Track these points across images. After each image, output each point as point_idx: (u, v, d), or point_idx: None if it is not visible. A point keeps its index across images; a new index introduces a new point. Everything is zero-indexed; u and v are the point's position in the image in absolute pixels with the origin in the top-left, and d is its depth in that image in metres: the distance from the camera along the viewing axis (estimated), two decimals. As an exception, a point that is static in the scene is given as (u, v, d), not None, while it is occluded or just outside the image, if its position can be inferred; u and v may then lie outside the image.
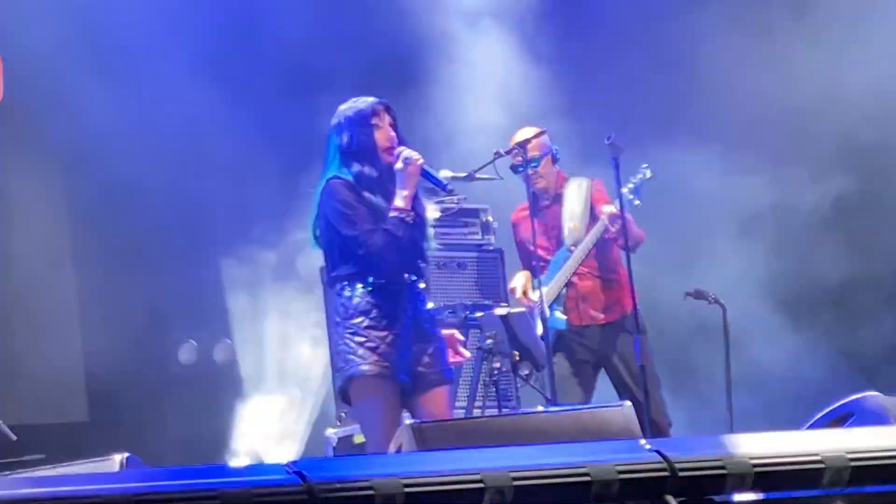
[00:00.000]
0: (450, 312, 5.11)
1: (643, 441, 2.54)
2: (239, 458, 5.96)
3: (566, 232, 5.23)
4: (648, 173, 5.43)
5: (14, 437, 4.87)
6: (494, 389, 4.98)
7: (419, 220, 3.94)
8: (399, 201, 3.90)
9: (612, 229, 5.12)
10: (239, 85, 6.30)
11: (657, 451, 2.36)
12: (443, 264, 5.51)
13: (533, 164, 5.05)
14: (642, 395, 4.75)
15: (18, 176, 6.16)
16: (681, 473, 2.36)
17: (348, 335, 3.83)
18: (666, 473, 2.33)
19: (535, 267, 5.00)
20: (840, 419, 4.00)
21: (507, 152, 5.06)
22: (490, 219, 5.63)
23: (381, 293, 3.84)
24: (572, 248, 5.19)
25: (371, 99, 3.99)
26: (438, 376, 3.94)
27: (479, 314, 5.10)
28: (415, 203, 3.92)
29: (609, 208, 5.14)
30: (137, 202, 6.15)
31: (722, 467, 2.37)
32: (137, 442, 4.94)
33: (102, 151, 6.01)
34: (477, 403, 5.09)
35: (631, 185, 5.29)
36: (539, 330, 4.97)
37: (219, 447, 6.05)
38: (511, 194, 5.40)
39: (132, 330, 6.08)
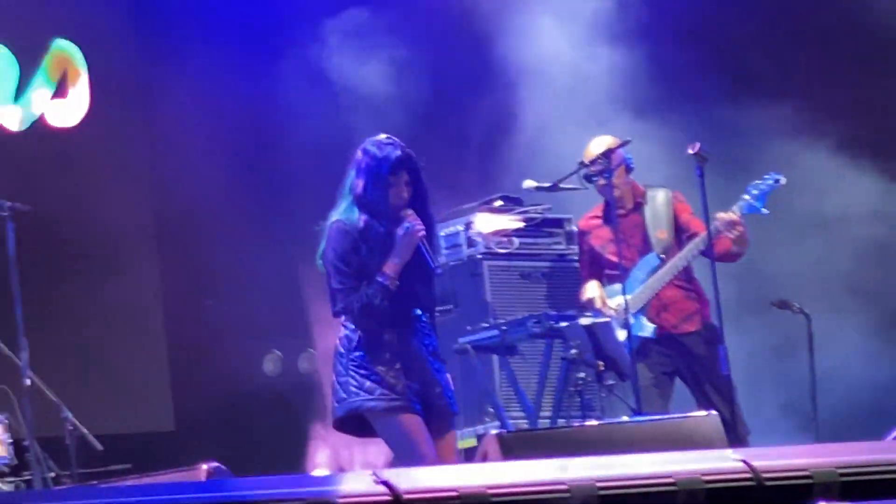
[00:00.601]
0: (534, 322, 5.10)
1: (729, 451, 2.50)
2: (324, 467, 6.00)
3: (654, 240, 5.16)
4: (783, 180, 5.29)
5: (100, 447, 4.97)
6: (579, 399, 4.95)
7: (424, 271, 3.98)
8: (388, 267, 3.92)
9: (731, 236, 5.05)
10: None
11: (743, 461, 2.34)
12: (527, 274, 5.52)
13: (606, 175, 5.00)
14: (724, 405, 4.68)
15: (107, 188, 6.31)
16: (767, 483, 2.33)
17: (353, 368, 3.89)
18: (752, 483, 2.30)
19: (609, 275, 5.01)
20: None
21: (591, 162, 5.02)
22: (574, 228, 5.58)
23: (384, 328, 3.91)
24: (662, 255, 5.12)
25: (396, 151, 3.99)
26: (447, 409, 4.00)
27: (563, 324, 5.05)
28: (416, 255, 3.93)
29: (728, 215, 5.06)
30: (224, 213, 6.26)
31: (809, 476, 2.34)
32: (223, 451, 4.98)
33: (187, 168, 6.15)
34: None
35: (756, 192, 5.19)
36: (622, 338, 4.94)
37: (304, 456, 6.10)
38: (570, 203, 5.42)
39: (217, 340, 6.18)
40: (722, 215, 5.04)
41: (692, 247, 5.13)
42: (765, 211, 5.26)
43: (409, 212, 3.94)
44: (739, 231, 4.99)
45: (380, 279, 3.87)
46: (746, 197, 5.15)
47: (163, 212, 6.49)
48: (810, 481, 2.40)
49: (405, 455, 3.94)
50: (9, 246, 4.79)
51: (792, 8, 6.53)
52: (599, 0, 6.11)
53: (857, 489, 2.44)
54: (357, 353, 3.87)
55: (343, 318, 3.95)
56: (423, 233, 3.91)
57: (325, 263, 4.03)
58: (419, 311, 3.95)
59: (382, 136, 4.04)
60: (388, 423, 3.87)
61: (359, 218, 3.95)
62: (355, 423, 3.99)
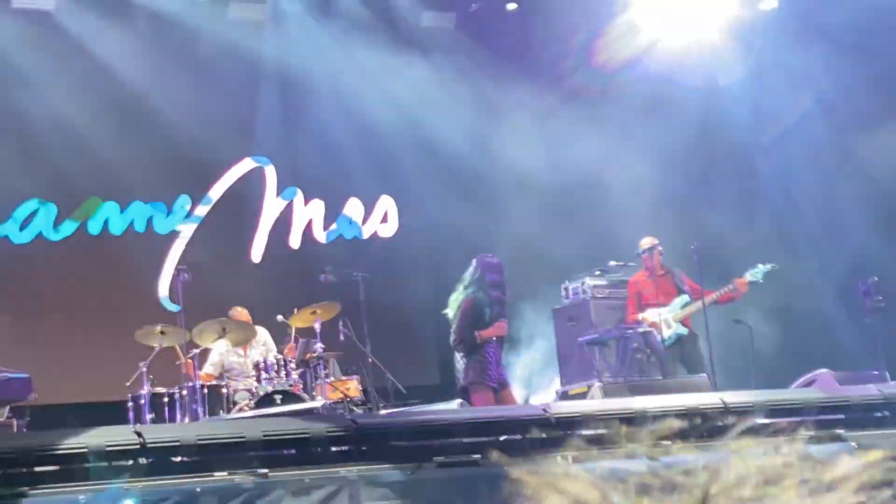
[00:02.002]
0: (615, 330, 9.52)
1: (714, 394, 6.77)
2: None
3: (686, 289, 9.28)
4: (777, 267, 9.13)
5: (405, 391, 9.17)
6: (637, 369, 9.36)
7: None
8: (486, 332, 7.59)
9: (737, 294, 9.09)
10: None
11: (720, 398, 6.30)
12: (610, 306, 9.99)
13: (646, 253, 9.41)
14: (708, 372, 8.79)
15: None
16: (730, 408, 6.02)
17: (470, 359, 7.71)
18: (722, 408, 6.06)
19: (645, 307, 9.31)
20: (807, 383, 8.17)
21: (643, 253, 9.37)
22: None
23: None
24: (691, 296, 9.26)
25: (498, 259, 7.98)
26: (506, 380, 7.97)
27: (629, 331, 9.33)
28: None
29: (743, 281, 9.02)
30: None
31: (752, 405, 6.39)
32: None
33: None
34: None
35: (758, 272, 9.12)
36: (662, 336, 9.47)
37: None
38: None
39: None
40: (739, 281, 9.04)
41: (711, 298, 8.98)
42: (762, 281, 9.10)
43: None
44: (744, 291, 9.17)
45: (479, 339, 7.63)
46: (756, 271, 9.08)
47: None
48: (752, 408, 6.34)
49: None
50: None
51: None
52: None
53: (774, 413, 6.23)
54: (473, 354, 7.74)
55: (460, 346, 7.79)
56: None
57: (457, 313, 7.77)
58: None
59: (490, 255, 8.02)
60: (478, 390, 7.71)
61: (488, 296, 7.66)
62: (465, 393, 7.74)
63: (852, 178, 10.71)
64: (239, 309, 9.13)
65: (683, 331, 9.35)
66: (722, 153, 11.28)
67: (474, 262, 8.05)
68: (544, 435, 6.08)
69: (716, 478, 1.54)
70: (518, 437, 6.01)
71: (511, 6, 11.13)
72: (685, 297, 9.39)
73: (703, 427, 5.63)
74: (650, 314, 9.38)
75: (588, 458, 3.58)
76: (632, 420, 6.02)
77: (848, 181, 10.70)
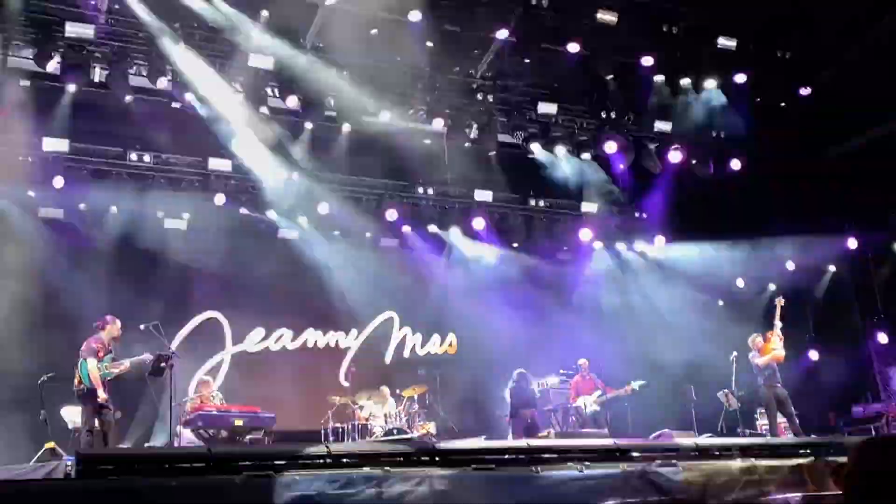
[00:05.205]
0: (561, 405, 18.55)
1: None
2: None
3: (600, 387, 17.51)
4: (646, 384, 16.07)
5: (457, 430, 18.67)
6: None
7: None
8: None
9: (627, 392, 17.14)
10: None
11: (613, 441, 10.45)
12: (560, 391, 19.08)
13: (581, 367, 18.28)
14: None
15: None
16: (622, 448, 9.70)
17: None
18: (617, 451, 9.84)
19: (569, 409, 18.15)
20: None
21: (580, 367, 18.27)
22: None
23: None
24: (603, 391, 17.92)
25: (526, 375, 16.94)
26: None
27: (570, 406, 18.48)
28: None
29: (630, 387, 16.73)
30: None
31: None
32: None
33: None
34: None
35: (637, 384, 16.34)
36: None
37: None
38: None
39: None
40: (628, 387, 16.63)
41: (613, 394, 17.01)
42: (637, 389, 16.66)
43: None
44: (630, 392, 17.49)
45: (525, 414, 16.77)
46: (636, 384, 16.86)
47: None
48: (629, 447, 10.02)
49: None
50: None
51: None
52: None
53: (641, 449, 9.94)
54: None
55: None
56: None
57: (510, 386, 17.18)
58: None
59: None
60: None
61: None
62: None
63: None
64: (382, 389, 17.43)
65: (597, 408, 16.87)
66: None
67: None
68: (524, 456, 8.95)
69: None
70: (512, 456, 8.91)
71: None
72: (599, 392, 16.78)
73: (603, 456, 9.06)
74: (580, 399, 16.85)
75: (547, 469, 7.77)
76: (568, 450, 9.00)
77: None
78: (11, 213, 16.01)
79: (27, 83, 14.59)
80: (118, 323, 12.54)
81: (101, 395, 11.92)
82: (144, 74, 15.09)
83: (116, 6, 14.23)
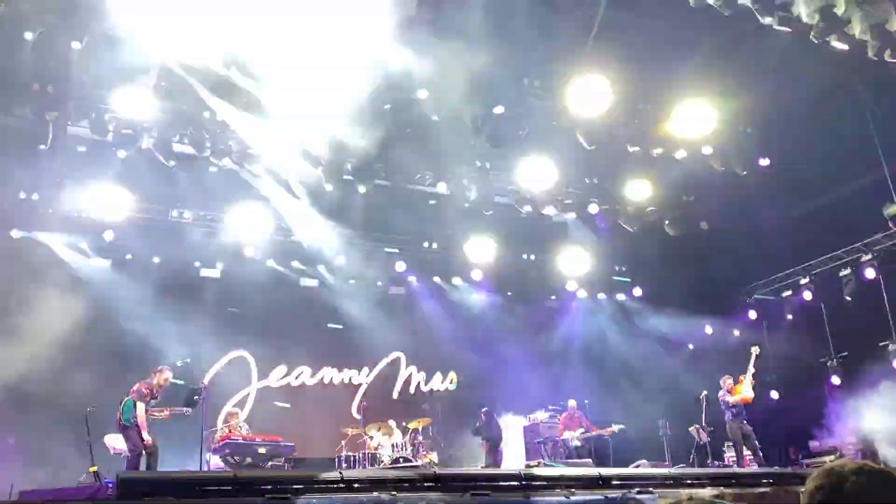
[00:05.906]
0: (549, 438, 19.01)
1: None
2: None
3: (585, 425, 18.85)
4: (624, 427, 17.64)
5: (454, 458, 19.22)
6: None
7: None
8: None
9: (609, 432, 18.34)
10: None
11: (598, 470, 14.37)
12: (549, 425, 19.47)
13: (570, 406, 19.09)
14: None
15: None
16: (605, 477, 11.01)
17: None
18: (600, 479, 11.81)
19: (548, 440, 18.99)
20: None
21: (568, 406, 19.06)
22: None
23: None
24: (587, 429, 18.92)
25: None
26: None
27: (558, 440, 19.01)
28: None
29: (612, 429, 18.06)
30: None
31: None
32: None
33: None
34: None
35: (617, 427, 17.81)
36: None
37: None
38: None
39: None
40: (609, 429, 17.72)
41: (597, 432, 18.20)
42: (617, 431, 17.64)
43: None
44: (612, 433, 18.61)
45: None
46: (616, 426, 17.70)
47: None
48: (612, 475, 11.67)
49: None
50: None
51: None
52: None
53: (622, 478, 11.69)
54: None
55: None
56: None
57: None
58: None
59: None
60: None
61: None
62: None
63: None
64: (390, 421, 18.46)
65: (578, 444, 18.25)
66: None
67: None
68: (517, 483, 9.73)
69: None
70: (507, 483, 9.67)
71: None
72: (582, 429, 18.27)
73: (588, 483, 10.11)
74: (567, 434, 18.45)
75: (537, 495, 8.62)
76: (557, 478, 9.93)
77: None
78: (69, 259, 17.05)
79: (83, 148, 15.22)
80: (167, 373, 13.19)
81: (147, 437, 12.41)
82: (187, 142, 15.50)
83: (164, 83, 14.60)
